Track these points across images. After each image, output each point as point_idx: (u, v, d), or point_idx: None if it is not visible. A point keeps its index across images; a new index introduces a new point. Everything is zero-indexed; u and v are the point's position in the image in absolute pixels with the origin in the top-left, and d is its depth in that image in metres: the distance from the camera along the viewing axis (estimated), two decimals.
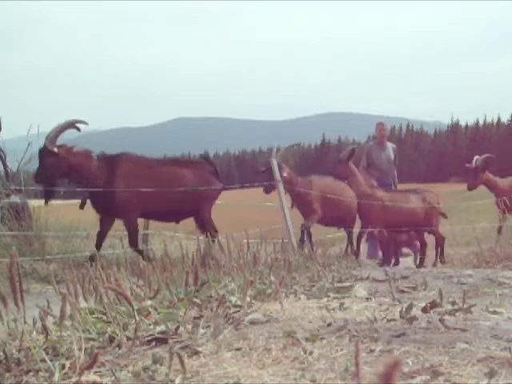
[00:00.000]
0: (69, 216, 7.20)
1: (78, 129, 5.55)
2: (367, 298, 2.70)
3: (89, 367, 1.40)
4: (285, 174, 6.79)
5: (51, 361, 1.51)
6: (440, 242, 7.59)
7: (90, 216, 6.09)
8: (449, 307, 2.21)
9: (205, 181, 6.08)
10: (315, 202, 6.97)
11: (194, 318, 2.08)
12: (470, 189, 8.25)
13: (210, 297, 2.41)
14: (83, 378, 1.37)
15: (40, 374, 1.49)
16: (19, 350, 1.65)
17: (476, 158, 8.13)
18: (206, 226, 6.14)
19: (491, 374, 1.29)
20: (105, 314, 2.01)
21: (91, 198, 5.64)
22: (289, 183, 6.88)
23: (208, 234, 6.11)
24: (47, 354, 1.60)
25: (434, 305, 2.19)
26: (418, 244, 7.82)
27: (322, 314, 2.17)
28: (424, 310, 2.16)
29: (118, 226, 6.78)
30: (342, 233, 7.82)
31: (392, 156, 8.29)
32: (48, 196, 5.63)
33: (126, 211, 5.58)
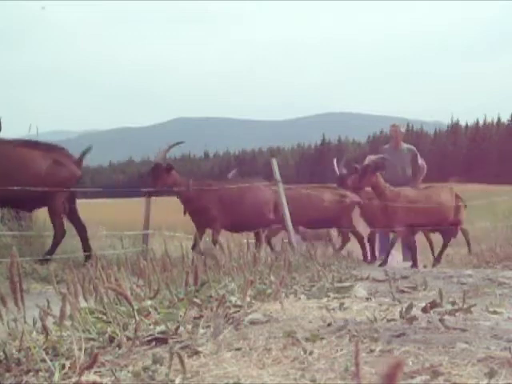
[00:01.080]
0: None
1: None
2: (367, 298, 2.70)
3: (89, 367, 1.40)
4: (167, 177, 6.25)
5: (51, 361, 1.51)
6: (359, 240, 7.46)
7: (89, 216, 6.09)
8: (449, 307, 2.21)
9: (57, 164, 5.51)
10: (213, 209, 6.41)
11: (194, 318, 2.08)
12: (354, 190, 7.29)
13: (210, 297, 2.41)
14: (83, 378, 1.37)
15: (40, 373, 1.49)
16: (19, 350, 1.65)
17: (369, 157, 7.33)
18: (52, 218, 5.63)
19: (491, 374, 1.29)
20: (105, 314, 2.01)
21: None
22: (173, 186, 6.36)
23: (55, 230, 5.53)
24: (47, 353, 1.60)
25: (434, 305, 2.19)
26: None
27: (322, 313, 2.17)
28: (424, 310, 2.16)
29: (118, 226, 6.78)
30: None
31: (407, 158, 8.02)
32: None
33: None
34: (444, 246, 7.46)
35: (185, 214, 6.53)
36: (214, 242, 6.17)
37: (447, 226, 7.33)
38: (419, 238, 8.09)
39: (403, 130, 8.45)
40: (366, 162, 7.08)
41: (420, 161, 8.13)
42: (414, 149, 8.27)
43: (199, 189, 6.46)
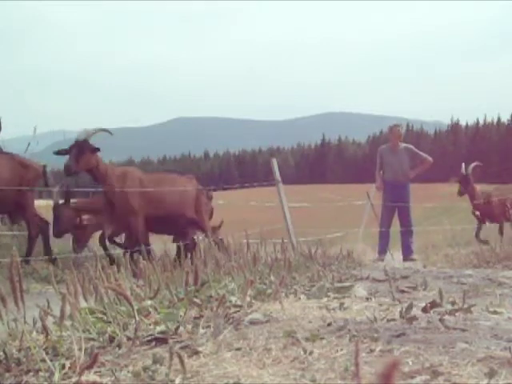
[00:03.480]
0: None
1: None
2: (367, 298, 2.70)
3: (89, 367, 1.40)
4: None
5: (51, 361, 1.51)
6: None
7: None
8: (449, 307, 2.21)
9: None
10: None
11: (194, 317, 2.08)
12: (68, 173, 5.35)
13: (210, 297, 2.41)
14: (83, 378, 1.37)
15: (40, 373, 1.49)
16: (19, 350, 1.65)
17: (85, 130, 5.57)
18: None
19: (491, 374, 1.29)
20: (105, 314, 2.01)
21: None
22: None
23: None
24: (47, 354, 1.60)
25: (434, 305, 2.19)
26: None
27: (322, 313, 2.17)
28: (424, 309, 2.16)
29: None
30: (341, 233, 7.78)
31: (405, 158, 8.00)
32: None
33: None
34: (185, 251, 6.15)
35: None
36: None
37: (185, 221, 5.98)
38: (418, 236, 8.04)
39: (401, 130, 8.43)
40: (83, 137, 5.34)
41: (423, 155, 8.13)
42: (412, 147, 8.28)
43: None
